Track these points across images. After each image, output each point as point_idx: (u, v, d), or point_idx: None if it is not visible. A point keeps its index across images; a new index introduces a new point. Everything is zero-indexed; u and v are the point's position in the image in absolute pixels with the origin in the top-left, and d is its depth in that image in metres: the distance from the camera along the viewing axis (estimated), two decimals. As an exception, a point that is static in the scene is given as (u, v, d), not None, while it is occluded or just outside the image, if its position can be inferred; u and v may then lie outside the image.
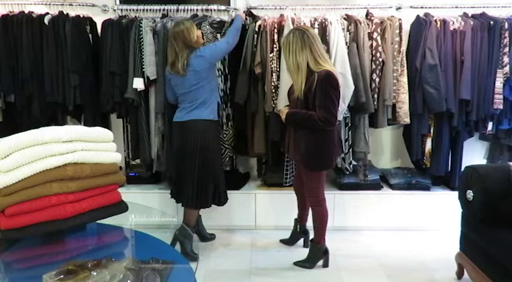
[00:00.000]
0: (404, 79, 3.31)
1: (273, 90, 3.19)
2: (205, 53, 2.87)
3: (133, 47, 3.26)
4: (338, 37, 3.12)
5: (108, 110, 3.42)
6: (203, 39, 3.06)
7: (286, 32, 3.10)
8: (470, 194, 2.47)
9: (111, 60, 3.28)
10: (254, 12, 3.47)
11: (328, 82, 2.62)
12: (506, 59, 3.27)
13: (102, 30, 3.34)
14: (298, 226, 3.23)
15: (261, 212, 3.52)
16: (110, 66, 3.28)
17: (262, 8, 3.49)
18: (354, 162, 3.44)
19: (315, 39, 2.70)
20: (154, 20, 3.31)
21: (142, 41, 3.24)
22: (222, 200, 3.09)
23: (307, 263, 2.92)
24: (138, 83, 3.23)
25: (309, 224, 3.10)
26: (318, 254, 2.92)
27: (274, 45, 3.20)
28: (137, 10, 3.47)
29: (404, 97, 3.30)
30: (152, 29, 3.25)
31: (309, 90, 2.65)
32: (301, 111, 2.69)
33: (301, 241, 3.25)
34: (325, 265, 2.93)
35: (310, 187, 2.85)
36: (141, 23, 3.26)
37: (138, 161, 3.57)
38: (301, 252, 3.06)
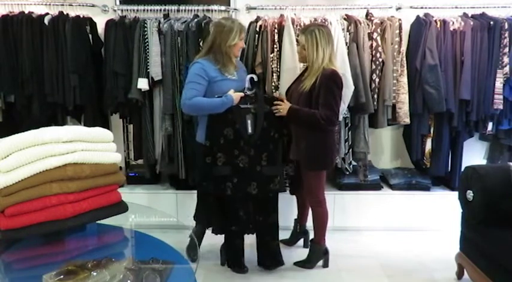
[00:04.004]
0: (404, 79, 3.31)
1: (274, 91, 3.19)
2: (188, 72, 2.71)
3: (137, 47, 3.25)
4: (338, 37, 3.12)
5: (112, 110, 3.42)
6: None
7: (286, 32, 3.11)
8: (470, 194, 2.47)
9: (115, 60, 3.28)
10: (254, 12, 3.47)
11: (334, 81, 2.62)
12: (506, 59, 3.27)
13: (106, 30, 3.33)
14: (298, 226, 3.23)
15: (261, 212, 3.51)
16: (114, 66, 3.28)
17: (262, 8, 3.48)
18: (354, 163, 3.44)
19: (332, 38, 2.73)
20: (159, 21, 3.31)
21: (147, 42, 3.24)
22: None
23: (307, 263, 2.91)
24: (143, 84, 3.22)
25: (309, 224, 3.10)
26: (318, 254, 2.92)
27: (275, 46, 3.20)
28: (137, 10, 3.45)
29: (404, 97, 3.30)
30: (158, 30, 3.25)
31: (313, 87, 2.65)
32: (304, 109, 2.68)
33: (301, 241, 3.25)
34: (325, 265, 2.93)
35: (309, 187, 2.84)
36: (146, 23, 3.25)
37: (140, 161, 3.56)
38: (301, 252, 3.06)
